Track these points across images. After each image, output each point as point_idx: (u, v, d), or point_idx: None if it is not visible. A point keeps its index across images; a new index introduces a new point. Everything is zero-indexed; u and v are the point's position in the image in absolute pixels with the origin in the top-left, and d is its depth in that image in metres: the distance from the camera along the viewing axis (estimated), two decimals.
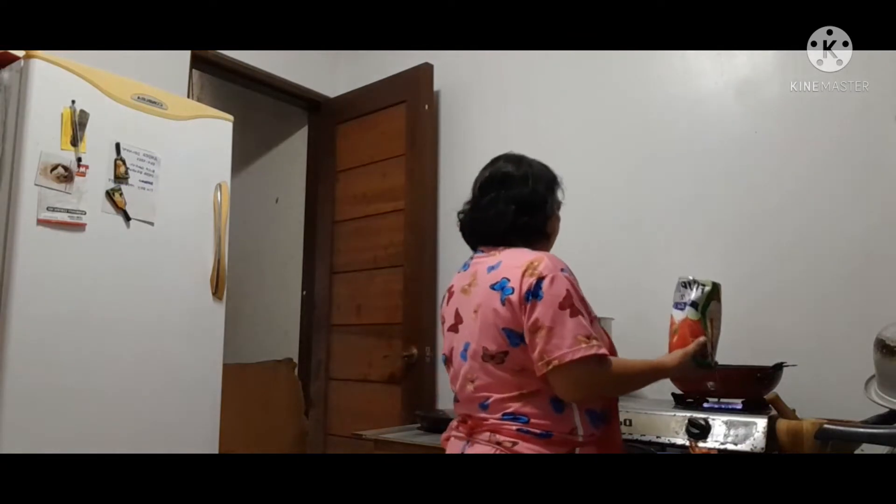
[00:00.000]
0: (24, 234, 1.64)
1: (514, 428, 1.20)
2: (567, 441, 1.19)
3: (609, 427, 1.27)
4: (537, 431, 1.19)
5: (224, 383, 2.09)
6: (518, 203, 1.33)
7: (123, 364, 1.81)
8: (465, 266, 1.38)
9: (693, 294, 1.36)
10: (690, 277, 1.37)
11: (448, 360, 1.38)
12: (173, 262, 1.96)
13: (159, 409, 1.88)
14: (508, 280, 1.23)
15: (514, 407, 1.21)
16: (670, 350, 1.38)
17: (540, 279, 1.20)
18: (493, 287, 1.25)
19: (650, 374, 1.33)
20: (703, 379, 1.42)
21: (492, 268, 1.28)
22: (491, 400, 1.24)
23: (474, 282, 1.31)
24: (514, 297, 1.21)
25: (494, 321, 1.24)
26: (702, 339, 1.33)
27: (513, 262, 1.25)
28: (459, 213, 1.43)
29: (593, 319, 1.26)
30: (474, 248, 1.41)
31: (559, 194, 1.42)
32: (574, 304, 1.19)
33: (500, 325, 1.23)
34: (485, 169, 1.42)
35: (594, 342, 1.17)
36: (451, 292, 1.39)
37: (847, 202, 1.82)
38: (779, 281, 1.90)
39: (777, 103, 1.97)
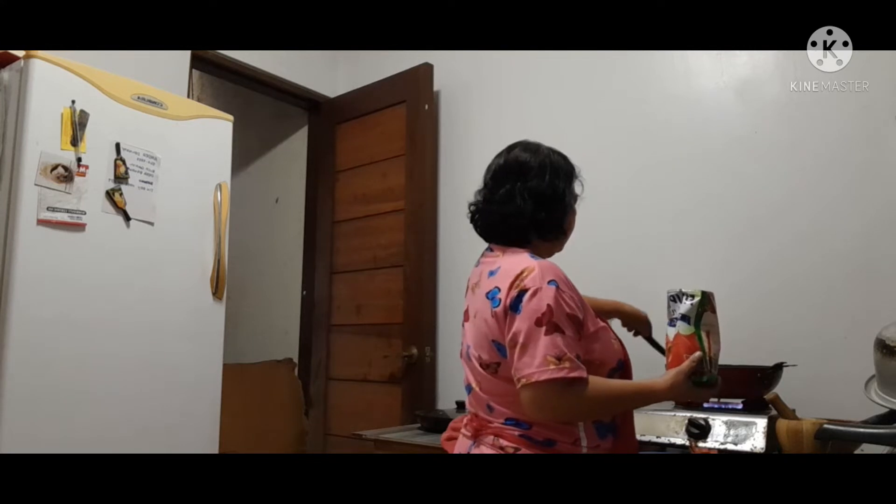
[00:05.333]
0: (24, 234, 1.64)
1: (517, 434, 1.19)
2: (570, 451, 1.18)
3: (619, 439, 1.24)
4: (539, 439, 1.18)
5: (224, 383, 2.09)
6: (536, 197, 1.26)
7: (123, 364, 1.81)
8: (478, 262, 1.34)
9: (683, 307, 1.22)
10: (678, 289, 1.25)
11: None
12: (173, 262, 1.96)
13: (159, 409, 1.88)
14: (499, 290, 1.19)
15: (516, 413, 1.19)
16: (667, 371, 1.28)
17: (522, 292, 1.15)
18: (487, 295, 1.22)
19: (636, 397, 1.22)
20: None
21: (492, 273, 1.25)
22: (493, 403, 1.23)
23: (479, 283, 1.28)
24: (500, 310, 1.18)
25: (486, 332, 1.21)
26: (697, 354, 1.19)
27: (508, 270, 1.21)
28: (471, 204, 1.35)
29: (596, 331, 1.22)
30: (488, 240, 1.35)
31: (577, 187, 1.35)
32: (553, 320, 1.12)
33: (490, 336, 1.21)
34: (499, 156, 1.34)
35: (566, 364, 1.10)
36: (468, 286, 1.36)
37: (847, 202, 1.82)
38: (779, 281, 1.90)
39: (777, 103, 1.96)
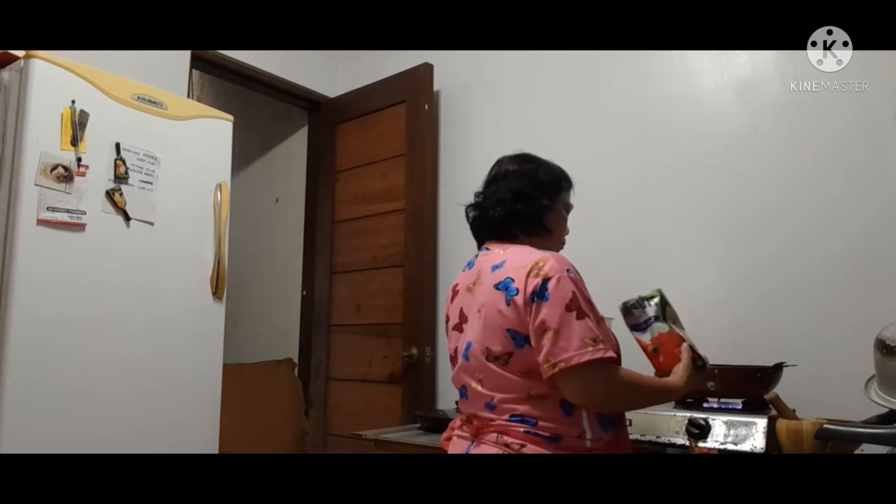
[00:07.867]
0: (24, 234, 1.64)
1: (522, 430, 1.19)
2: (576, 445, 1.19)
3: (618, 431, 1.26)
4: (546, 434, 1.18)
5: (224, 383, 2.09)
6: (514, 192, 1.35)
7: (123, 364, 1.81)
8: (470, 264, 1.38)
9: (650, 309, 1.32)
10: (636, 297, 1.34)
11: (453, 359, 1.36)
12: (173, 262, 1.96)
13: (159, 409, 1.88)
14: (513, 280, 1.21)
15: (522, 409, 1.20)
16: (658, 370, 1.34)
17: (545, 280, 1.18)
18: (497, 287, 1.24)
19: (661, 391, 1.29)
20: (704, 382, 1.38)
21: (496, 266, 1.26)
22: (497, 400, 1.23)
23: (479, 280, 1.29)
24: (519, 299, 1.19)
25: (499, 322, 1.22)
26: (685, 344, 1.30)
27: (517, 262, 1.24)
28: (467, 207, 1.44)
29: (600, 321, 1.24)
30: (480, 244, 1.41)
31: (567, 195, 1.43)
32: (580, 305, 1.17)
33: (504, 326, 1.21)
34: (492, 168, 1.44)
35: (601, 345, 1.15)
36: (455, 291, 1.38)
37: (847, 202, 1.82)
38: (779, 281, 1.90)
39: (777, 103, 1.97)
